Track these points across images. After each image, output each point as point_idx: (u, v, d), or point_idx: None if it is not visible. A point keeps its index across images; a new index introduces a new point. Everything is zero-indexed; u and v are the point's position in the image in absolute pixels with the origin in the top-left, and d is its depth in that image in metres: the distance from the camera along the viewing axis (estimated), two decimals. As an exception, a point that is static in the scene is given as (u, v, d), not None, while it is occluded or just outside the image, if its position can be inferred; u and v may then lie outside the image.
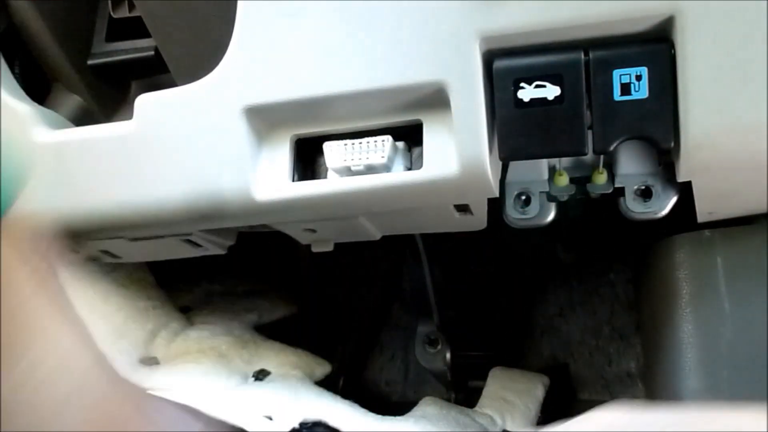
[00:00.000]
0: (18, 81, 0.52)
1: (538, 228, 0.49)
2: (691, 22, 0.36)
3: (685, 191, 0.44)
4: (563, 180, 0.46)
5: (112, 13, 0.53)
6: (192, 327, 0.70)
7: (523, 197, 0.47)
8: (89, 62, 0.53)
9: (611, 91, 0.37)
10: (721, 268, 0.51)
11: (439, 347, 0.81)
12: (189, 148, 0.45)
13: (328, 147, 0.43)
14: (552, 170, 0.47)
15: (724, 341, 0.51)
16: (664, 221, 0.45)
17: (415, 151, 0.44)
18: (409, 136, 0.44)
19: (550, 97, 0.38)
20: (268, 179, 0.45)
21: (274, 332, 0.74)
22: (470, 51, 0.39)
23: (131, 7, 0.52)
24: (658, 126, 0.37)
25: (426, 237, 0.76)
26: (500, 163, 0.43)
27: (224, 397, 0.58)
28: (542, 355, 0.88)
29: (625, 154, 0.45)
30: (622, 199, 0.45)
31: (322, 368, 0.71)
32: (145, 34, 0.49)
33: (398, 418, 0.62)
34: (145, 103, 0.46)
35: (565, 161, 0.46)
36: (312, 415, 0.59)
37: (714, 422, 0.28)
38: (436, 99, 0.41)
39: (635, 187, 0.45)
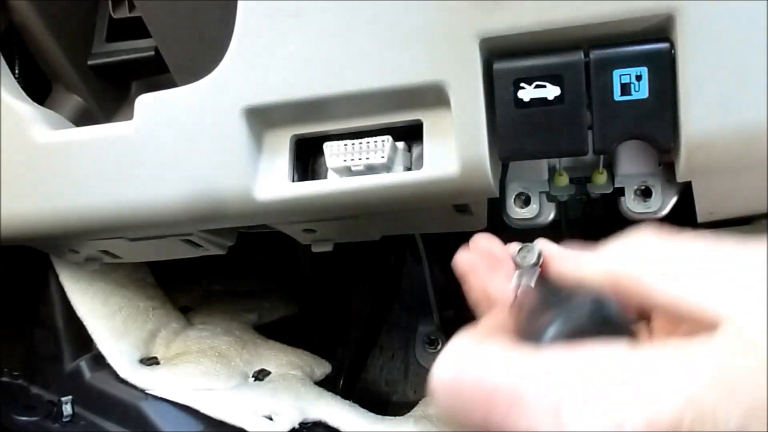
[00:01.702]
0: (18, 81, 0.52)
1: (538, 228, 0.49)
2: (691, 22, 0.36)
3: (685, 191, 0.44)
4: (563, 180, 0.46)
5: (112, 13, 0.53)
6: (192, 327, 0.70)
7: (523, 197, 0.47)
8: (89, 62, 0.54)
9: (611, 91, 0.37)
10: (721, 268, 0.51)
11: (439, 347, 0.81)
12: (189, 149, 0.45)
13: (328, 147, 0.43)
14: (552, 170, 0.47)
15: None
16: (665, 221, 0.45)
17: (415, 151, 0.44)
18: (409, 136, 0.44)
19: (550, 98, 0.38)
20: (268, 179, 0.45)
21: (274, 332, 0.74)
22: (470, 51, 0.39)
23: (131, 7, 0.52)
24: (658, 126, 0.37)
25: (426, 237, 0.77)
26: (500, 163, 0.43)
27: (224, 397, 0.58)
28: (542, 355, 0.88)
29: (625, 154, 0.45)
30: (622, 199, 0.45)
31: (322, 368, 0.71)
32: (145, 34, 0.49)
33: (398, 418, 0.62)
34: (145, 103, 0.46)
35: (565, 161, 0.46)
36: (312, 415, 0.59)
37: None
38: (436, 99, 0.41)
39: (635, 187, 0.45)
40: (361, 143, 0.42)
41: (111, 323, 0.62)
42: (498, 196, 0.44)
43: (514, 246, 0.29)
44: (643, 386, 0.21)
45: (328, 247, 0.55)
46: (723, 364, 0.21)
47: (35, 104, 0.51)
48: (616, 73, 0.37)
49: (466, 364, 0.24)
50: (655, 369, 0.21)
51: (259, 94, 0.43)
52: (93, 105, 0.54)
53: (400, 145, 0.44)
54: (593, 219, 0.74)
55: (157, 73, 0.53)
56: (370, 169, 0.43)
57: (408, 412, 0.65)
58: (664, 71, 0.37)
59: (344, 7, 0.41)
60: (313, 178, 0.45)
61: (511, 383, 0.22)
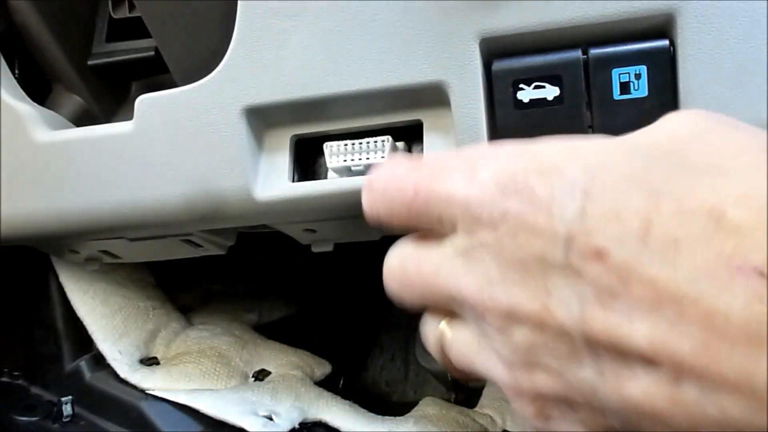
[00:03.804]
0: (18, 81, 0.52)
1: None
2: (691, 21, 0.36)
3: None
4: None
5: (112, 13, 0.53)
6: (192, 327, 0.70)
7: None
8: (89, 62, 0.54)
9: (610, 91, 0.37)
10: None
11: (439, 347, 0.81)
12: (189, 149, 0.45)
13: (328, 147, 0.43)
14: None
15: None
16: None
17: (415, 151, 0.44)
18: (409, 136, 0.44)
19: (550, 98, 0.38)
20: (268, 179, 0.45)
21: (274, 332, 0.74)
22: (470, 51, 0.39)
23: (131, 7, 0.52)
24: (657, 126, 0.37)
25: (426, 237, 0.76)
26: (500, 163, 0.43)
27: (224, 397, 0.58)
28: (542, 355, 0.87)
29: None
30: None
31: (322, 368, 0.71)
32: (145, 34, 0.49)
33: (398, 418, 0.62)
34: (145, 103, 0.46)
35: (565, 161, 0.46)
36: (312, 415, 0.59)
37: None
38: (436, 99, 0.41)
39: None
40: (361, 143, 0.42)
41: (111, 323, 0.62)
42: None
43: None
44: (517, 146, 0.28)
45: (328, 247, 0.55)
46: (586, 142, 0.26)
47: (35, 104, 0.51)
48: (615, 72, 0.37)
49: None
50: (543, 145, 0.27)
51: (259, 94, 0.43)
52: (93, 105, 0.54)
53: (400, 145, 0.44)
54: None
55: (157, 73, 0.53)
56: (370, 169, 0.43)
57: (408, 412, 0.65)
58: (664, 70, 0.37)
59: (344, 7, 0.41)
60: (313, 178, 0.45)
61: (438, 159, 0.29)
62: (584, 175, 0.24)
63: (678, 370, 0.21)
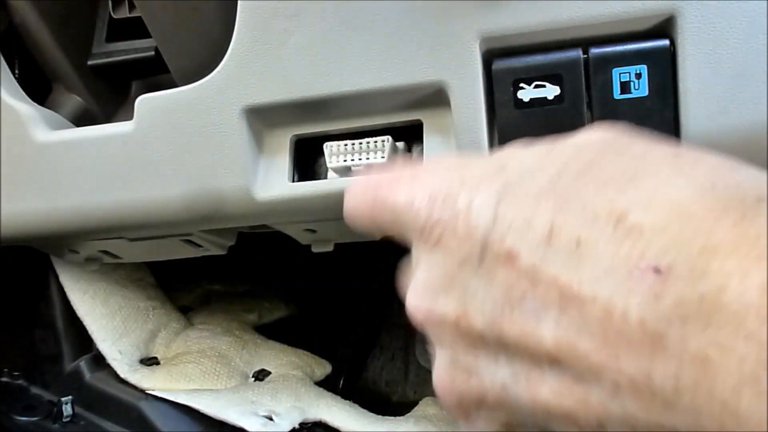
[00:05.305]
0: (18, 81, 0.52)
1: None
2: (691, 21, 0.36)
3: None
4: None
5: (112, 13, 0.53)
6: (192, 327, 0.70)
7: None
8: (89, 62, 0.54)
9: (611, 90, 0.37)
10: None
11: (439, 347, 0.81)
12: (189, 149, 0.45)
13: (328, 147, 0.43)
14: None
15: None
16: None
17: (415, 151, 0.44)
18: (409, 136, 0.44)
19: (550, 97, 0.38)
20: (268, 179, 0.45)
21: (274, 332, 0.74)
22: (470, 51, 0.39)
23: (131, 7, 0.52)
24: (658, 124, 0.37)
25: (426, 237, 0.76)
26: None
27: (224, 397, 0.58)
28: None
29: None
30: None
31: (322, 368, 0.71)
32: (145, 34, 0.49)
33: (398, 418, 0.62)
34: (145, 103, 0.46)
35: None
36: (312, 415, 0.59)
37: None
38: (436, 99, 0.41)
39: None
40: (361, 143, 0.42)
41: (111, 323, 0.62)
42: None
43: None
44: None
45: (328, 247, 0.55)
46: (512, 156, 0.27)
47: (35, 104, 0.51)
48: (616, 71, 0.37)
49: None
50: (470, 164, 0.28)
51: (259, 94, 0.43)
52: (93, 105, 0.54)
53: (400, 145, 0.44)
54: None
55: (157, 73, 0.53)
56: (370, 169, 0.43)
57: (408, 412, 0.65)
58: (664, 69, 0.37)
59: (344, 7, 0.41)
60: (313, 178, 0.45)
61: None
62: (501, 185, 0.25)
63: (582, 370, 0.21)
